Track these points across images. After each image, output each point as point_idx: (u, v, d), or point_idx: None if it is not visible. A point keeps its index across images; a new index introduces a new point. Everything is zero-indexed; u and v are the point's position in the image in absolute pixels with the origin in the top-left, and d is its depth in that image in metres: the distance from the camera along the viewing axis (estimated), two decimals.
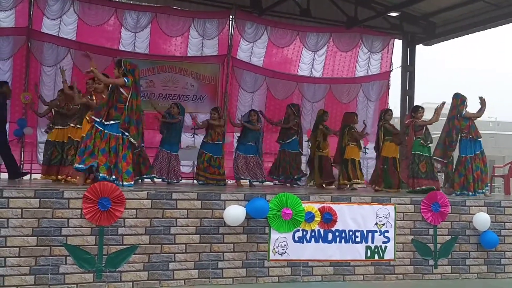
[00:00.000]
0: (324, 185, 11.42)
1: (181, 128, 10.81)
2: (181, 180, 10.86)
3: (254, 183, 10.64)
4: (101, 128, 7.39)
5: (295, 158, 11.35)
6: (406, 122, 10.45)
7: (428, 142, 9.91)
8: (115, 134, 7.46)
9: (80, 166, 7.33)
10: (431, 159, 9.86)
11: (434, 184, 9.72)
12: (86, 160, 7.29)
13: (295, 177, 11.30)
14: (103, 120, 7.41)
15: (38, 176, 10.38)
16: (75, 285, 6.30)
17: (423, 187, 9.58)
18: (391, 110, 11.41)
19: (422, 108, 10.21)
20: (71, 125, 8.81)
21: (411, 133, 10.05)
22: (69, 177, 8.45)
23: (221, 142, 10.49)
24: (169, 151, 10.47)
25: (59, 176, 8.93)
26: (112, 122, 7.45)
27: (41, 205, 6.23)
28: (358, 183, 11.18)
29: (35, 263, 6.16)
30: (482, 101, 9.31)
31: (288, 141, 11.27)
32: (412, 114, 10.22)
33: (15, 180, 9.49)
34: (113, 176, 7.30)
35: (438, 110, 9.68)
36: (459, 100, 9.39)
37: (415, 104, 15.04)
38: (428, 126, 10.07)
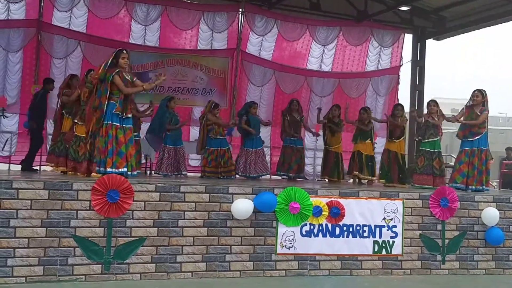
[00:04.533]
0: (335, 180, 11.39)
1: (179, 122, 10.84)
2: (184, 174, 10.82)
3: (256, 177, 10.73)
4: (119, 124, 7.47)
5: (300, 154, 11.37)
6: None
7: (423, 138, 9.85)
8: (129, 126, 7.62)
9: (112, 170, 7.31)
10: (433, 154, 9.80)
11: (430, 180, 9.66)
12: (117, 162, 7.37)
13: (293, 175, 11.25)
14: (124, 114, 7.54)
15: (48, 168, 10.41)
16: (84, 276, 6.35)
17: (418, 185, 9.68)
18: (401, 105, 11.29)
19: (433, 101, 10.13)
20: (75, 121, 8.83)
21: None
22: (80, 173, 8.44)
23: (224, 137, 10.55)
24: (175, 145, 10.46)
25: (63, 168, 8.94)
26: (129, 115, 7.67)
27: (50, 196, 6.27)
28: (358, 177, 11.12)
29: (44, 254, 6.21)
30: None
31: (293, 138, 11.27)
32: (427, 109, 10.20)
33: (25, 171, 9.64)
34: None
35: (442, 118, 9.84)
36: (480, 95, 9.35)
37: (425, 99, 15.03)
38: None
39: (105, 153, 7.37)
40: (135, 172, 7.70)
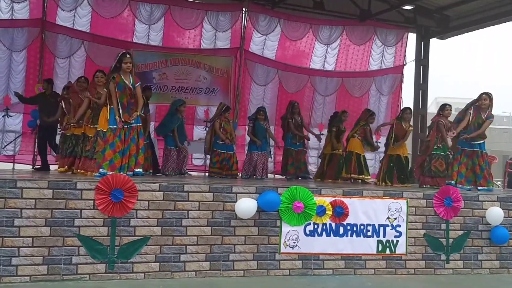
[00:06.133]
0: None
1: (183, 124, 10.88)
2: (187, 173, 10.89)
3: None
4: (118, 127, 7.57)
5: (302, 156, 11.46)
6: (433, 118, 10.34)
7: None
8: (135, 124, 7.69)
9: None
10: (447, 157, 9.85)
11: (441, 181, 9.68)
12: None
13: (300, 175, 11.35)
14: (131, 120, 7.70)
15: (53, 167, 10.43)
16: (88, 276, 6.36)
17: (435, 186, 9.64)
18: (410, 109, 11.17)
19: (450, 105, 10.15)
20: (85, 123, 8.86)
21: (434, 129, 10.03)
22: (86, 171, 8.48)
23: (231, 143, 10.59)
24: (177, 146, 10.49)
25: (74, 169, 8.96)
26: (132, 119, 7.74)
27: (55, 195, 6.29)
28: (358, 178, 11.13)
29: (48, 253, 6.23)
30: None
31: (298, 143, 11.36)
32: (439, 112, 10.16)
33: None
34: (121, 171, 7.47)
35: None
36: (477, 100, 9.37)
37: (428, 98, 15.03)
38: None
39: (104, 154, 7.52)
40: (137, 170, 7.72)
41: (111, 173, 7.13)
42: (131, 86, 7.71)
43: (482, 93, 9.27)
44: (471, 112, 9.29)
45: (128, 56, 7.70)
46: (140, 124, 7.87)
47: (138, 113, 7.71)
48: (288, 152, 11.44)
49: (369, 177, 11.30)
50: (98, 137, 7.86)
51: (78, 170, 8.55)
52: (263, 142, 10.99)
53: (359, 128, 11.21)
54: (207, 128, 11.91)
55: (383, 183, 10.43)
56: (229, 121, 10.73)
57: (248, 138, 11.69)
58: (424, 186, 9.93)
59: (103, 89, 8.15)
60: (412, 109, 15.15)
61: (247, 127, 11.18)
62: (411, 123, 11.42)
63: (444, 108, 10.13)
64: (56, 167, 10.00)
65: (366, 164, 11.28)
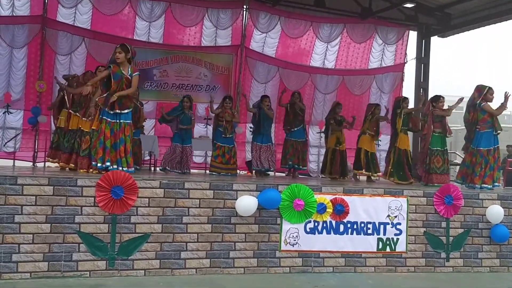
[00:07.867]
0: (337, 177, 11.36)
1: (191, 120, 10.92)
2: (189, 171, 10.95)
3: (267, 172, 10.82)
4: (114, 120, 7.47)
5: (302, 148, 11.42)
6: (426, 111, 10.30)
7: (446, 135, 9.86)
8: (128, 122, 7.61)
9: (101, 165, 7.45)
10: (445, 153, 9.83)
11: (446, 179, 9.67)
12: (103, 158, 7.45)
13: (299, 167, 11.32)
14: (116, 110, 7.49)
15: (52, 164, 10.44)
16: (88, 272, 6.36)
17: (436, 184, 9.56)
18: (408, 98, 11.17)
19: (443, 97, 10.07)
20: (78, 115, 8.85)
21: (429, 122, 9.94)
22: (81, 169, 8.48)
23: (231, 136, 10.61)
24: (182, 143, 10.58)
25: (71, 164, 8.95)
26: (126, 110, 7.61)
27: (55, 192, 6.29)
28: (365, 175, 11.11)
29: (49, 250, 6.23)
30: (506, 98, 9.20)
31: (295, 129, 11.29)
32: (432, 104, 10.06)
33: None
34: (119, 167, 7.43)
35: (454, 104, 9.65)
36: (476, 92, 9.34)
37: (429, 96, 14.94)
38: (447, 118, 10.00)
39: (95, 147, 7.51)
40: (132, 169, 7.67)
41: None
42: (128, 76, 7.64)
43: (489, 88, 9.27)
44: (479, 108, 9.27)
45: (117, 47, 7.68)
46: (129, 121, 7.74)
47: (118, 94, 7.48)
48: (285, 142, 11.50)
49: (376, 175, 11.21)
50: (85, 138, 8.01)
51: (81, 170, 8.55)
52: (266, 134, 11.02)
53: (368, 124, 11.14)
54: (207, 126, 11.96)
55: (400, 181, 10.32)
56: (231, 114, 10.70)
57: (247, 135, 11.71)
58: (423, 183, 9.86)
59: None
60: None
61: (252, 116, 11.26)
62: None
63: (437, 100, 10.02)
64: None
65: (375, 162, 11.22)
